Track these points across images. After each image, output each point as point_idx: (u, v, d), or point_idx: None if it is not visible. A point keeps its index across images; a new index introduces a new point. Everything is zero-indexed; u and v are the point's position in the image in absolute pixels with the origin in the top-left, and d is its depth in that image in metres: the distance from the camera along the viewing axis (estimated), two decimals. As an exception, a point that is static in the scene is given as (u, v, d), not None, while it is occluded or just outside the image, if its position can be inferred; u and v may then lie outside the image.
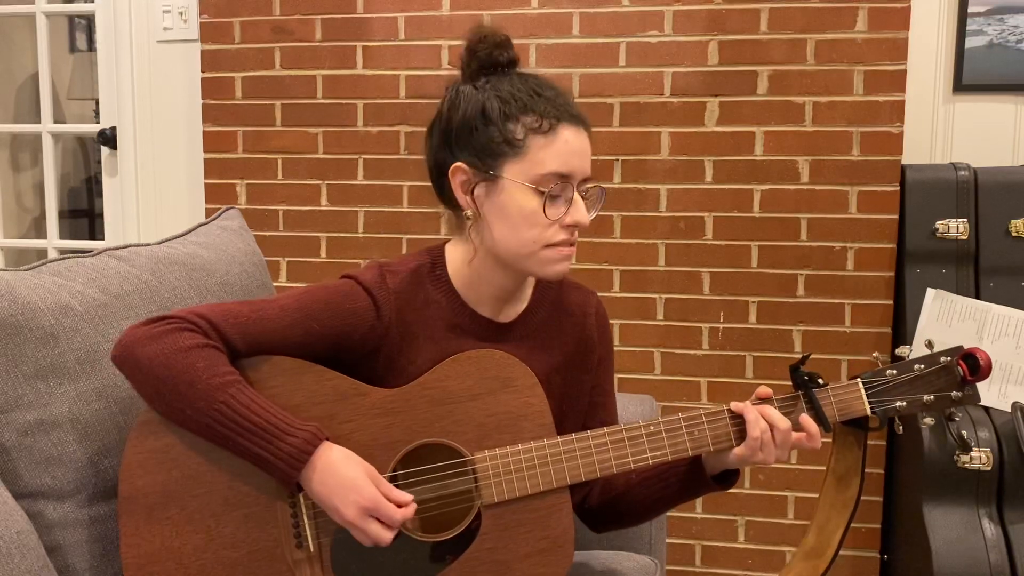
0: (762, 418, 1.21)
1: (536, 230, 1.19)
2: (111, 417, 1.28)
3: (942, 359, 1.24)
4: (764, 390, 1.25)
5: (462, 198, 1.23)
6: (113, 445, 1.27)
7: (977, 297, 2.23)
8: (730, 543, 2.46)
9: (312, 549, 1.18)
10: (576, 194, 1.21)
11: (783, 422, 1.21)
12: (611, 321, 2.47)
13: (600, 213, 2.46)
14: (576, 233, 1.22)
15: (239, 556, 1.17)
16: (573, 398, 1.36)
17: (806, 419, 1.23)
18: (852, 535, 2.40)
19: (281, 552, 1.17)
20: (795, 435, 1.22)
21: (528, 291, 1.33)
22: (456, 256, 1.29)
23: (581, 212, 1.21)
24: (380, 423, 1.20)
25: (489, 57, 1.23)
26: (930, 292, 2.21)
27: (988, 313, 2.15)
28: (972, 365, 1.22)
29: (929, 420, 1.24)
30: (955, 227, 2.26)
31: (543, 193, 1.18)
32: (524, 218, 1.19)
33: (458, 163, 1.22)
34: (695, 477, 1.30)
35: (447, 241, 1.32)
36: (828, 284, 2.37)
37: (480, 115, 1.20)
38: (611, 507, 1.39)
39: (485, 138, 1.20)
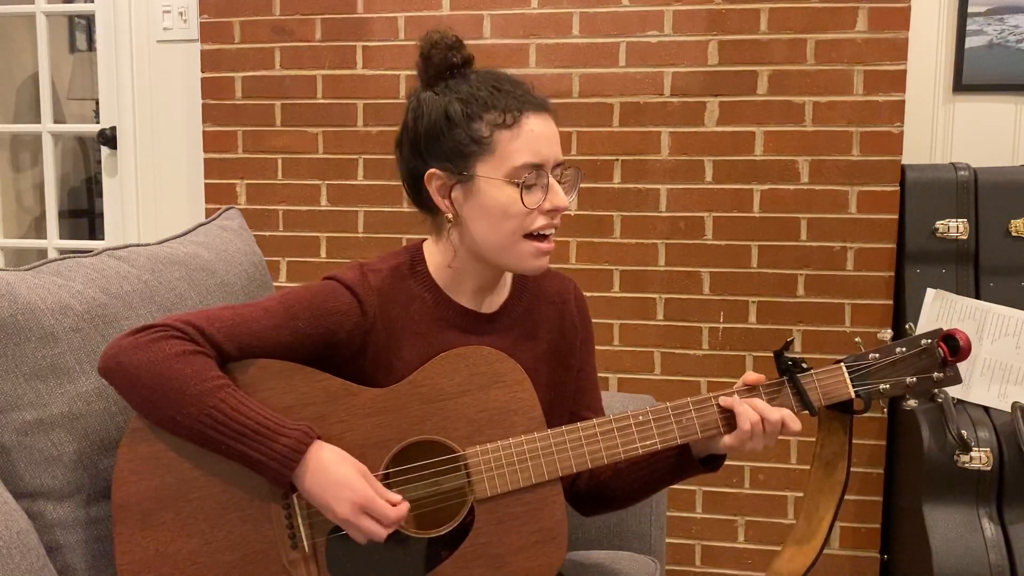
0: (752, 411, 1.22)
1: (516, 221, 1.21)
2: (110, 417, 1.28)
3: (923, 341, 1.25)
4: (751, 376, 1.26)
5: (441, 202, 1.25)
6: (113, 445, 1.27)
7: (977, 297, 2.23)
8: (730, 543, 2.46)
9: (307, 549, 1.18)
10: (552, 179, 1.23)
11: (773, 414, 1.22)
12: (611, 321, 2.48)
13: (600, 213, 2.48)
14: (558, 218, 1.24)
15: (235, 559, 1.17)
16: (560, 384, 1.37)
17: (784, 411, 1.23)
18: (852, 535, 2.40)
19: (277, 553, 1.18)
20: (775, 418, 1.23)
21: (508, 281, 1.35)
22: (435, 252, 1.30)
23: (559, 196, 1.23)
24: (371, 422, 1.20)
25: (444, 60, 1.24)
26: (930, 292, 2.21)
27: (988, 313, 2.15)
28: (952, 346, 1.24)
29: (913, 402, 1.26)
30: (955, 227, 2.26)
31: (518, 184, 1.20)
32: (503, 212, 1.21)
33: (432, 169, 1.23)
34: (682, 461, 1.31)
35: (425, 239, 1.33)
36: (828, 284, 2.37)
37: (444, 119, 1.22)
38: (600, 491, 1.40)
39: (453, 141, 1.21)
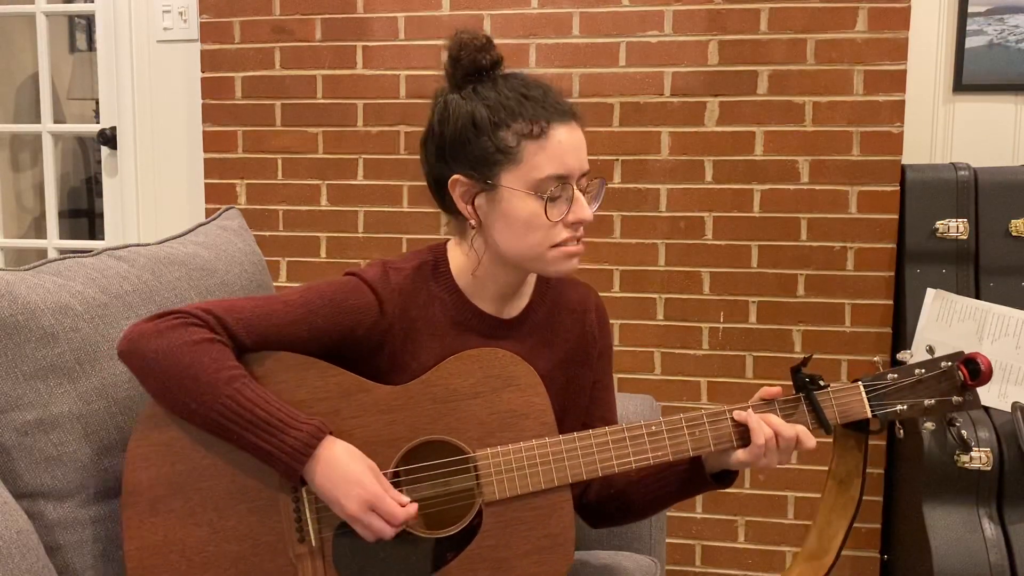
0: (767, 426, 1.21)
1: (540, 233, 1.20)
2: (111, 417, 1.28)
3: (943, 364, 1.24)
4: (768, 390, 1.26)
5: (464, 208, 1.23)
6: (113, 445, 1.27)
7: (977, 297, 2.23)
8: (730, 543, 2.46)
9: (314, 543, 1.18)
10: (576, 191, 1.21)
11: (788, 430, 1.21)
12: (611, 321, 2.48)
13: (600, 213, 2.48)
14: (581, 230, 1.23)
15: (242, 549, 1.17)
16: (575, 393, 1.36)
17: (799, 427, 1.23)
18: (852, 535, 2.39)
19: (283, 546, 1.18)
20: (790, 435, 1.22)
21: (529, 287, 1.34)
22: (458, 254, 1.29)
23: (583, 209, 1.22)
24: (383, 419, 1.20)
25: (473, 63, 1.22)
26: (930, 292, 2.21)
27: (988, 313, 2.15)
28: (973, 370, 1.23)
29: (930, 425, 1.25)
30: (955, 227, 2.25)
31: (543, 197, 1.19)
32: (527, 223, 1.20)
33: (456, 175, 1.22)
34: (694, 476, 1.30)
35: (448, 239, 1.32)
36: (828, 284, 2.37)
37: (471, 126, 1.20)
38: (610, 504, 1.39)
39: (479, 149, 1.20)
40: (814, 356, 2.34)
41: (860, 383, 1.25)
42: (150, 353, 1.14)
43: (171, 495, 1.17)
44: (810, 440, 1.22)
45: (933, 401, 1.24)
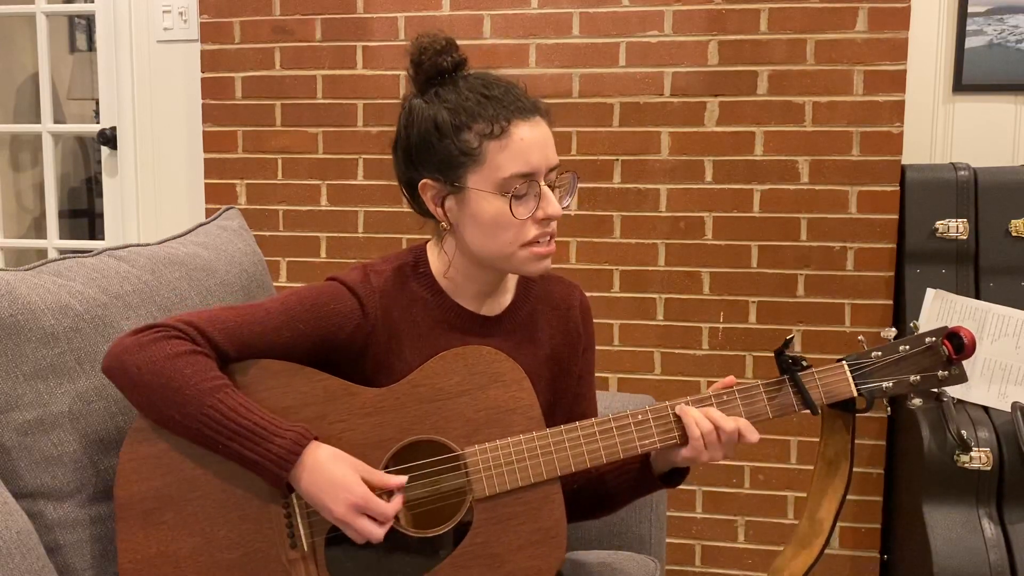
0: (705, 419, 1.21)
1: (510, 232, 1.20)
2: (111, 417, 1.28)
3: (927, 339, 1.24)
4: (729, 380, 1.26)
5: (436, 211, 1.24)
6: (113, 445, 1.27)
7: (977, 297, 2.23)
8: (730, 543, 2.46)
9: (306, 549, 1.18)
10: (544, 187, 1.21)
11: (728, 423, 1.20)
12: (611, 321, 2.48)
13: (600, 213, 2.48)
14: (553, 225, 1.23)
15: (235, 558, 1.18)
16: (562, 389, 1.37)
17: (741, 420, 1.22)
18: (852, 535, 2.40)
19: (276, 553, 1.18)
20: (731, 428, 1.21)
21: (512, 284, 1.34)
22: (437, 255, 1.30)
23: (551, 205, 1.21)
24: (370, 422, 1.20)
25: (434, 66, 1.23)
26: (930, 292, 2.21)
27: (988, 313, 2.15)
28: (957, 344, 1.23)
29: (917, 401, 1.25)
30: (955, 227, 2.25)
31: (509, 196, 1.19)
32: (496, 223, 1.20)
33: (425, 179, 1.23)
34: (643, 476, 1.31)
35: (428, 240, 1.33)
36: (828, 284, 2.37)
37: (434, 130, 1.20)
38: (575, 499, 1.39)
39: (443, 152, 1.20)
40: (813, 355, 2.35)
41: (844, 362, 1.25)
42: (133, 368, 1.15)
43: (163, 507, 1.18)
44: (752, 434, 1.21)
45: (918, 377, 1.24)
